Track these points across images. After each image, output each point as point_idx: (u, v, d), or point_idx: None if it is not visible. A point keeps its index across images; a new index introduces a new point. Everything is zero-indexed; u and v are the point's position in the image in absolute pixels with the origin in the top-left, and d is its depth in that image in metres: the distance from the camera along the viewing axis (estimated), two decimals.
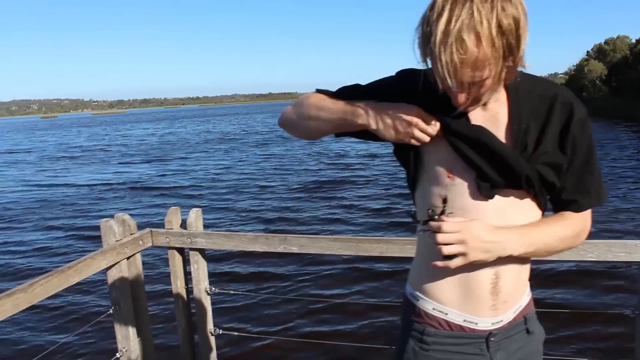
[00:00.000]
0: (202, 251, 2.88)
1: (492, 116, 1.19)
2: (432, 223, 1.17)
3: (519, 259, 1.25)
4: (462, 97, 1.07)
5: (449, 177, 1.20)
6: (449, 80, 1.02)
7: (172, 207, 2.96)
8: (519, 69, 1.08)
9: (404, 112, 1.18)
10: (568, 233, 1.25)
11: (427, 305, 1.30)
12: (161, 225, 2.92)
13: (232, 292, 3.09)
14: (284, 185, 13.82)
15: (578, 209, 1.25)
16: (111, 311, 2.67)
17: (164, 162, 21.66)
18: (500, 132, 1.18)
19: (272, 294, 5.84)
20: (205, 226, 2.98)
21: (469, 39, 0.97)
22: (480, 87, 1.05)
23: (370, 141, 1.31)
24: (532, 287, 1.38)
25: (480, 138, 1.15)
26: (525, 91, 1.17)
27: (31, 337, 5.21)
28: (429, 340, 1.29)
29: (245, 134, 39.54)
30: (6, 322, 4.66)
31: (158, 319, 5.10)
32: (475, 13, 0.96)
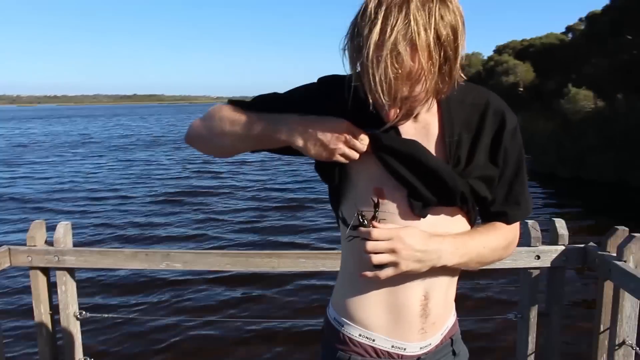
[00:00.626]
0: (70, 271, 2.57)
1: (423, 127, 1.13)
2: (362, 229, 1.09)
3: (448, 276, 1.21)
4: (392, 113, 1.01)
5: (378, 196, 1.12)
6: (381, 97, 0.94)
7: (36, 221, 2.59)
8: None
9: (332, 128, 1.09)
10: (500, 244, 1.21)
11: (353, 332, 1.22)
12: (21, 242, 2.56)
13: (105, 315, 2.78)
14: (148, 195, 13.06)
15: (508, 221, 1.21)
16: None
17: (12, 167, 19.52)
18: (431, 145, 1.13)
19: (154, 311, 5.44)
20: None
21: (405, 52, 0.90)
22: (413, 101, 0.99)
23: (291, 156, 1.21)
24: None
25: (414, 153, 1.09)
26: (456, 100, 1.11)
27: None
28: None
29: (107, 137, 37.15)
30: None
31: (16, 352, 4.53)
32: (412, 23, 0.89)
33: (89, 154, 24.62)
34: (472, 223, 1.22)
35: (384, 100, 0.95)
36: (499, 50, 30.70)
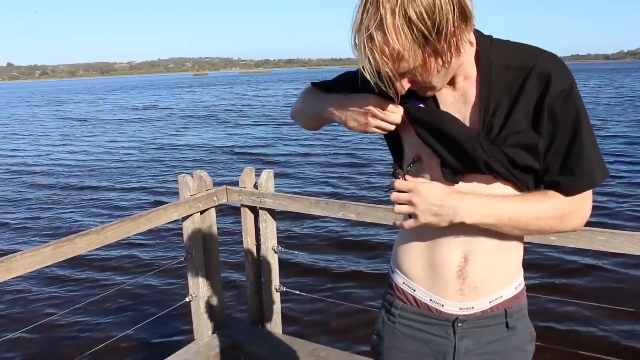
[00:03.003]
0: (271, 211, 3.07)
1: (462, 96, 1.15)
2: (393, 181, 1.18)
3: (495, 240, 1.19)
4: (398, 87, 1.07)
5: (417, 159, 1.20)
6: (369, 75, 1.03)
7: (247, 168, 3.17)
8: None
9: (360, 103, 1.20)
10: (547, 212, 1.14)
11: (398, 279, 1.31)
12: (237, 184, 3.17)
13: (296, 252, 3.24)
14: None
15: (562, 191, 1.14)
16: (183, 259, 2.99)
17: (279, 126, 21.57)
18: (467, 112, 1.15)
19: (341, 262, 5.98)
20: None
21: (377, 35, 0.97)
22: (414, 76, 1.05)
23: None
24: None
25: (437, 123, 1.14)
26: (500, 65, 1.11)
27: (101, 276, 5.80)
28: (396, 313, 1.31)
29: None
30: (80, 258, 5.15)
31: (228, 271, 5.46)
32: (381, 8, 0.96)
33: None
34: (527, 192, 1.16)
35: (372, 79, 1.03)
36: None
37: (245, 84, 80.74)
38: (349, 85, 1.28)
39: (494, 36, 1.15)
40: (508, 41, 1.15)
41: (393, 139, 1.30)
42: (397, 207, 1.15)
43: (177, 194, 2.99)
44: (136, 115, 29.05)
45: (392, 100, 1.15)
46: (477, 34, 1.12)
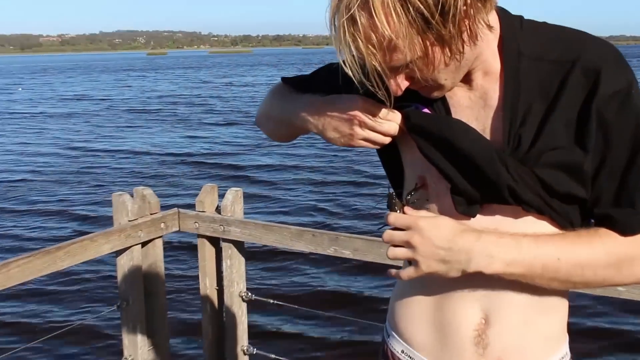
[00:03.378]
0: (238, 244, 3.07)
1: (480, 97, 1.15)
2: (388, 214, 1.16)
3: (526, 295, 1.18)
4: (391, 86, 1.07)
5: (421, 185, 1.19)
6: (352, 71, 1.02)
7: (207, 185, 3.17)
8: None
9: (343, 107, 1.20)
10: (598, 258, 1.12)
11: (397, 346, 1.32)
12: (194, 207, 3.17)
13: (271, 301, 3.23)
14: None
15: (618, 228, 1.12)
16: (116, 308, 2.99)
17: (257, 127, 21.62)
18: (488, 119, 1.14)
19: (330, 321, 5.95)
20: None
21: (361, 17, 0.96)
22: (412, 72, 1.04)
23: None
24: None
25: (445, 135, 1.12)
26: (531, 57, 1.11)
27: (3, 333, 5.69)
28: None
29: None
30: None
31: (179, 325, 5.38)
32: None
33: None
34: (566, 226, 1.16)
35: (353, 75, 1.03)
36: None
37: (215, 67, 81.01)
38: (332, 81, 1.26)
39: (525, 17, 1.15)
40: (545, 23, 1.16)
41: (389, 156, 1.31)
42: (392, 251, 1.15)
43: (110, 219, 3.00)
44: (63, 108, 29.05)
45: (385, 103, 1.15)
46: (502, 14, 1.12)
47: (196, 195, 3.14)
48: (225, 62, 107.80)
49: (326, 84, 1.29)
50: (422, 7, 0.94)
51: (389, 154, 1.30)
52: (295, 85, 1.41)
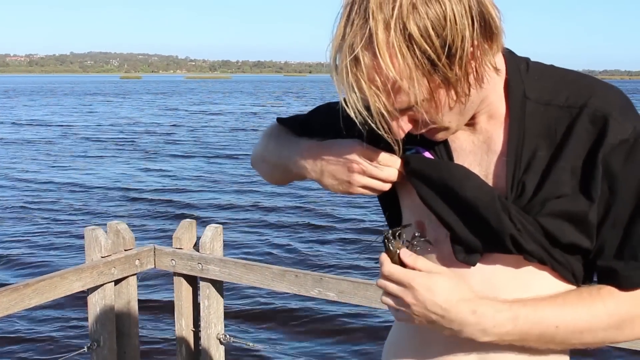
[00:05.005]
0: (217, 283, 3.01)
1: (484, 142, 1.15)
2: (382, 256, 1.15)
3: (527, 356, 1.17)
4: (394, 128, 1.06)
5: (421, 231, 1.18)
6: (354, 112, 1.02)
7: (185, 221, 3.12)
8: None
9: (341, 152, 1.20)
10: (599, 321, 1.11)
11: None
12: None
13: (251, 344, 3.19)
14: None
15: (620, 284, 1.12)
16: (85, 349, 2.91)
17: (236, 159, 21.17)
18: (491, 165, 1.15)
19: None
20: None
21: (365, 58, 0.96)
22: (416, 114, 1.04)
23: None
24: None
25: (446, 181, 1.12)
26: (537, 101, 1.11)
27: None
28: None
29: None
30: None
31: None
32: (371, 20, 0.94)
33: None
34: (570, 279, 1.15)
35: (355, 116, 1.02)
36: None
37: (189, 93, 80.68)
38: (332, 123, 1.23)
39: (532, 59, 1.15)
40: (551, 67, 1.16)
41: (388, 200, 1.29)
42: (384, 299, 1.15)
43: (82, 253, 2.93)
44: (15, 134, 28.38)
45: (386, 148, 1.15)
46: (509, 56, 1.13)
47: (174, 231, 3.08)
48: (199, 88, 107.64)
49: (325, 126, 1.28)
50: (428, 48, 0.94)
51: (388, 198, 1.29)
52: (292, 125, 1.39)
